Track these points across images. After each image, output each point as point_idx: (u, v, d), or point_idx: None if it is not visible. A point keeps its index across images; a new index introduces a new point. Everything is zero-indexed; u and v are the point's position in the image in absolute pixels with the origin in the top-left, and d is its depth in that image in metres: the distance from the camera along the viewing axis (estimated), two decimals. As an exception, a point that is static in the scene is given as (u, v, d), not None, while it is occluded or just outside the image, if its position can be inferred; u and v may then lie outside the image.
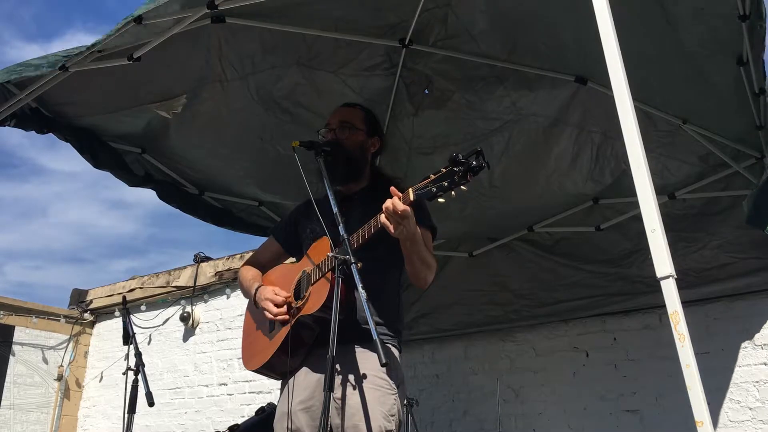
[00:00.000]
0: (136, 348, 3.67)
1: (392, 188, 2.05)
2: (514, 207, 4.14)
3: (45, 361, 8.29)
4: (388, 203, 2.02)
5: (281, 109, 3.53)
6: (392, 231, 2.05)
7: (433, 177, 1.95)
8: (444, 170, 1.93)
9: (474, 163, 1.87)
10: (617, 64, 1.83)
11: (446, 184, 1.91)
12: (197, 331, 7.49)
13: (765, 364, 4.08)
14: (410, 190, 2.01)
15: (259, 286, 2.47)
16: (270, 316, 2.33)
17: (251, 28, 2.94)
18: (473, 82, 3.39)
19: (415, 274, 2.31)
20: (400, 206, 2.01)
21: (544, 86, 3.33)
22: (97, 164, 3.57)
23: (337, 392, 2.15)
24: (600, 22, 1.89)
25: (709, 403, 1.50)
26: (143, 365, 3.60)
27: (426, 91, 3.51)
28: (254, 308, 2.59)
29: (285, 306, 2.33)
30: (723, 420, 4.07)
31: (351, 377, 2.19)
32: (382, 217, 2.05)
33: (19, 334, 8.13)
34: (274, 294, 2.36)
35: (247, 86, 3.35)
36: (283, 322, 2.32)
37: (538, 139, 3.62)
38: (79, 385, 8.48)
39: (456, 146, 3.66)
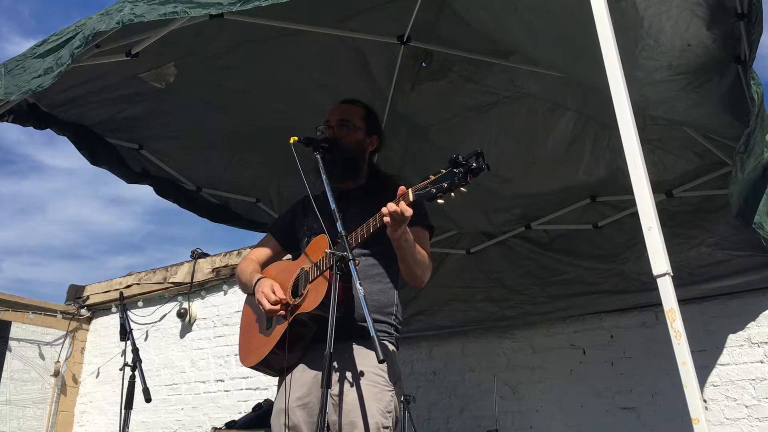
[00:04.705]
0: (133, 344, 3.66)
1: (401, 187, 2.05)
2: (508, 188, 4.12)
3: (42, 356, 8.29)
4: (392, 206, 2.03)
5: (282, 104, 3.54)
6: (391, 231, 2.07)
7: (432, 178, 1.96)
8: (444, 171, 1.93)
9: (474, 164, 1.87)
10: (615, 65, 1.84)
11: (446, 185, 1.91)
12: (194, 327, 7.49)
13: (761, 362, 4.09)
14: (410, 190, 2.02)
15: (260, 278, 2.47)
16: (266, 307, 2.33)
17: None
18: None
19: (410, 274, 2.32)
20: (408, 212, 2.02)
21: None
22: (95, 161, 3.58)
23: (334, 389, 2.16)
24: (598, 23, 1.90)
25: (705, 401, 1.51)
26: (140, 361, 3.60)
27: (423, 64, 3.48)
28: (253, 304, 2.59)
29: (279, 304, 2.33)
30: (719, 417, 4.08)
31: (348, 374, 2.20)
32: (385, 218, 2.05)
33: (15, 330, 8.13)
34: (270, 290, 2.36)
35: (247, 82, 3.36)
36: (282, 315, 2.32)
37: (536, 121, 3.61)
38: (75, 380, 8.47)
39: (456, 118, 3.64)
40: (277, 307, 2.32)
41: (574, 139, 3.68)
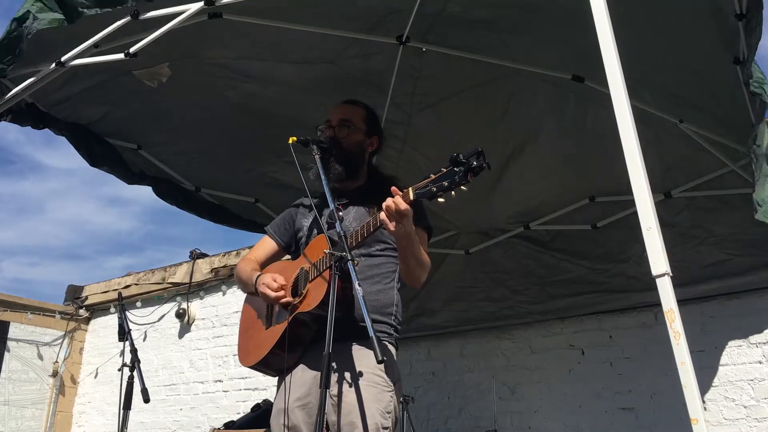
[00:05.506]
0: (132, 344, 3.66)
1: (393, 188, 2.04)
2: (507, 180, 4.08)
3: (40, 357, 8.28)
4: (389, 202, 2.02)
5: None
6: (391, 229, 2.06)
7: (433, 177, 1.95)
8: (444, 170, 1.93)
9: (474, 163, 1.87)
10: (614, 65, 1.83)
11: (446, 184, 1.91)
12: (193, 327, 7.49)
13: (760, 363, 4.10)
14: (410, 189, 2.01)
15: (260, 275, 2.46)
16: (271, 296, 2.32)
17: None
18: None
19: (409, 274, 2.31)
20: (403, 205, 2.01)
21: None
22: (93, 161, 3.57)
23: (334, 389, 2.15)
24: (597, 22, 1.89)
25: (704, 401, 1.51)
26: (139, 362, 3.59)
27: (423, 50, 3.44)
28: (252, 304, 2.59)
29: (282, 290, 2.32)
30: (718, 418, 4.08)
31: (347, 374, 2.19)
32: (382, 215, 2.05)
33: (14, 330, 8.13)
34: (271, 280, 2.35)
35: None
36: (285, 305, 2.31)
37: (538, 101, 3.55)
38: (74, 381, 8.47)
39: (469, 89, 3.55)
40: (282, 293, 2.31)
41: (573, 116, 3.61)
